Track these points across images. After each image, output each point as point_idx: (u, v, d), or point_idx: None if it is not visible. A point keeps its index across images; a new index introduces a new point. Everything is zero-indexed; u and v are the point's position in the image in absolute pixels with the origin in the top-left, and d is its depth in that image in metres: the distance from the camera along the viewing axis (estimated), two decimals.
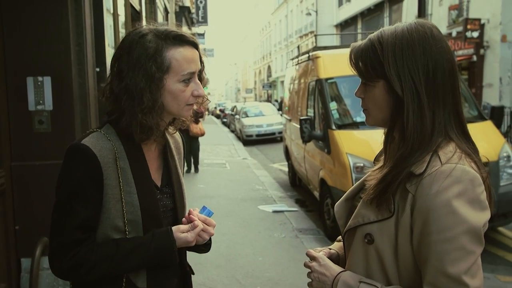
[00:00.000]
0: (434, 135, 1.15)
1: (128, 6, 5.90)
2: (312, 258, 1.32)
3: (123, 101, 1.34)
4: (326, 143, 5.95)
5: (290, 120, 9.01)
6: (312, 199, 7.58)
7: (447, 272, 1.06)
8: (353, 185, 5.04)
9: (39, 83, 3.56)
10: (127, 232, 1.38)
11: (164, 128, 1.48)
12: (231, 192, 8.19)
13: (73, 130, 3.64)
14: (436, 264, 1.07)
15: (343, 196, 1.42)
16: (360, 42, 1.27)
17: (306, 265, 1.33)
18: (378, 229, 1.17)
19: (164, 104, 1.37)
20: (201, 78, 1.47)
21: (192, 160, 10.32)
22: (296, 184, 9.11)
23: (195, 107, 1.50)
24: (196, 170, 10.25)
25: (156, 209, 1.44)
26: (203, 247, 1.56)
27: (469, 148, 1.17)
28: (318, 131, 6.37)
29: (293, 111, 8.73)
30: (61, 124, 3.61)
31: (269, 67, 55.45)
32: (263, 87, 53.44)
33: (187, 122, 1.58)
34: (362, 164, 5.31)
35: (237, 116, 21.05)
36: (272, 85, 51.38)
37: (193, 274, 1.65)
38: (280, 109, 24.08)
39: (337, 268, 1.27)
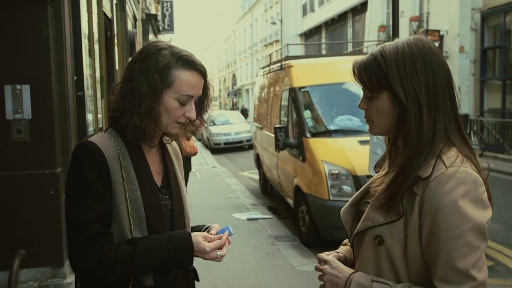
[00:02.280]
0: (436, 140, 1.25)
1: (102, 14, 5.85)
2: (323, 261, 1.38)
3: (126, 100, 1.43)
4: (301, 151, 6.06)
5: (261, 128, 9.09)
6: (285, 206, 7.67)
7: (456, 267, 1.15)
8: (328, 191, 5.15)
9: (17, 91, 3.49)
10: (132, 231, 1.41)
11: (157, 136, 1.54)
12: (204, 200, 8.17)
13: (53, 140, 3.59)
14: (445, 260, 1.16)
15: (348, 202, 1.49)
16: (361, 57, 1.37)
17: (317, 268, 1.39)
18: (387, 230, 1.25)
19: (160, 114, 1.45)
20: (202, 103, 1.57)
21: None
22: (267, 191, 9.19)
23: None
24: None
25: (159, 207, 1.49)
26: None
27: (469, 152, 1.27)
28: (292, 139, 6.48)
29: (264, 119, 8.82)
30: (40, 133, 3.55)
31: (234, 75, 55.62)
32: (228, 95, 53.53)
33: (179, 136, 1.64)
34: (337, 171, 5.44)
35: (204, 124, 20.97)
36: (237, 93, 51.53)
37: (198, 280, 1.68)
38: (245, 116, 24.21)
39: (348, 270, 1.34)
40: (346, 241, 1.55)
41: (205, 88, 1.54)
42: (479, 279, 1.15)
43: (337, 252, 1.49)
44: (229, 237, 1.53)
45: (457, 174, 1.18)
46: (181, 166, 1.71)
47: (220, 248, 1.47)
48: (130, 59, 1.51)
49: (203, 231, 1.60)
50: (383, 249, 1.26)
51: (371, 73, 1.28)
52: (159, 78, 1.42)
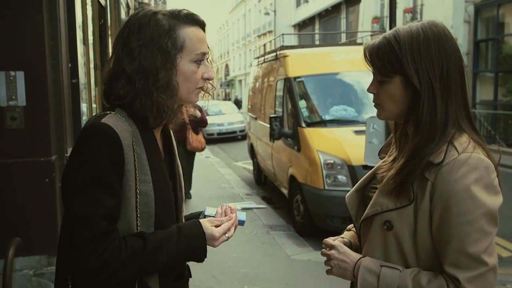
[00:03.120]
0: (448, 126, 1.24)
1: (96, 1, 5.77)
2: (330, 247, 1.37)
3: (137, 82, 1.26)
4: (296, 141, 6.05)
5: (255, 118, 9.07)
6: (279, 196, 7.67)
7: (468, 252, 1.15)
8: (323, 181, 5.15)
9: (11, 78, 3.43)
10: (138, 228, 1.26)
11: (179, 114, 1.42)
12: (198, 190, 8.15)
13: (47, 127, 3.54)
14: (457, 245, 1.16)
15: (353, 188, 1.48)
16: (373, 40, 1.34)
17: (324, 254, 1.38)
18: (397, 216, 1.24)
19: (178, 85, 1.31)
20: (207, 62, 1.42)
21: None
22: (261, 181, 9.18)
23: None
24: (188, 195, 7.44)
25: (170, 201, 1.37)
26: None
27: (478, 138, 1.27)
28: (287, 129, 6.47)
29: (259, 109, 8.79)
30: (35, 120, 3.49)
31: (226, 66, 55.38)
32: (220, 85, 53.32)
33: (183, 117, 1.50)
34: (332, 161, 5.44)
35: None
36: (230, 84, 51.35)
37: (191, 277, 1.58)
38: (238, 107, 24.14)
39: (356, 255, 1.33)
40: (350, 226, 1.55)
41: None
42: (490, 264, 1.15)
43: (342, 238, 1.48)
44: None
45: (470, 160, 1.17)
46: (176, 153, 1.57)
47: (228, 230, 1.37)
48: (116, 36, 1.34)
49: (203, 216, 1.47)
50: (391, 234, 1.25)
51: (384, 56, 1.26)
52: (170, 43, 1.27)
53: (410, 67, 1.23)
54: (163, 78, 1.27)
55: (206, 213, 1.46)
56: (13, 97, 3.45)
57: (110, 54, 1.38)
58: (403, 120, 1.31)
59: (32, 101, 3.48)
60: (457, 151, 1.20)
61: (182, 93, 1.33)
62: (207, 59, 1.39)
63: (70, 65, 4.04)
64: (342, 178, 5.42)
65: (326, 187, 5.40)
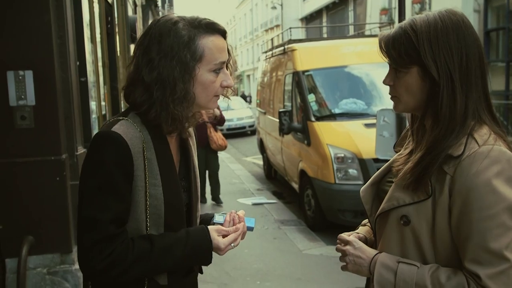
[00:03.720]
0: (467, 118, 1.20)
1: None
2: (345, 242, 1.34)
3: (154, 92, 1.28)
4: (306, 135, 6.01)
5: (264, 113, 9.03)
6: (289, 191, 7.65)
7: (490, 247, 1.11)
8: (334, 175, 5.10)
9: (20, 77, 3.43)
10: (148, 228, 1.31)
11: (194, 122, 1.44)
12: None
13: (57, 126, 3.54)
14: (478, 241, 1.12)
15: (368, 182, 1.45)
16: (388, 30, 1.30)
17: (338, 249, 1.36)
18: (414, 210, 1.21)
19: (194, 96, 1.32)
20: (227, 68, 1.43)
21: (207, 184, 7.17)
22: (272, 176, 9.17)
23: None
24: (218, 200, 7.13)
25: (180, 204, 1.40)
26: None
27: (499, 130, 1.23)
28: (296, 123, 6.43)
29: (268, 104, 8.75)
30: (44, 119, 3.50)
31: (234, 61, 55.25)
32: None
33: (204, 117, 1.54)
34: (342, 155, 5.40)
35: None
36: (238, 79, 51.32)
37: (201, 273, 1.60)
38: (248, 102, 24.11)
39: (372, 251, 1.30)
40: (365, 221, 1.52)
41: (228, 50, 1.40)
42: None
43: (357, 233, 1.45)
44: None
45: (491, 153, 1.13)
46: (195, 153, 1.59)
47: (234, 241, 1.40)
48: (137, 43, 1.36)
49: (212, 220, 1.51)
50: (409, 229, 1.22)
51: (401, 47, 1.22)
52: (189, 54, 1.28)
53: (427, 57, 1.18)
54: (181, 90, 1.29)
55: (214, 221, 1.49)
56: (23, 96, 3.46)
57: (131, 58, 1.39)
58: (421, 113, 1.26)
59: (41, 100, 3.49)
60: (478, 143, 1.16)
61: (200, 101, 1.36)
62: (227, 65, 1.40)
63: (78, 63, 4.04)
64: (353, 171, 5.37)
65: (337, 181, 5.37)
